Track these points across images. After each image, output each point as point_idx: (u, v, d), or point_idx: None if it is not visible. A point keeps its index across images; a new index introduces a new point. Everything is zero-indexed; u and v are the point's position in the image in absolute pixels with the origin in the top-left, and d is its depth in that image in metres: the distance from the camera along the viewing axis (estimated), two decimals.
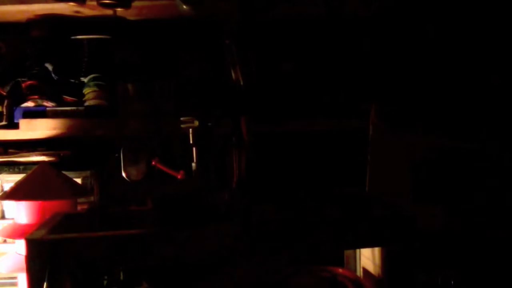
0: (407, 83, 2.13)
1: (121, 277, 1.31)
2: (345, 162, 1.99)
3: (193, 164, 1.42)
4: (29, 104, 1.90)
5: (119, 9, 1.81)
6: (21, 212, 1.64)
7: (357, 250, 1.64)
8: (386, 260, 1.45)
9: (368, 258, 1.55)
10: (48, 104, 1.91)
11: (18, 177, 1.78)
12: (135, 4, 1.79)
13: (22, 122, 1.83)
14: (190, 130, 1.41)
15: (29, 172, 1.74)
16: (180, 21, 1.93)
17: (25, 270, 1.22)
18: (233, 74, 1.75)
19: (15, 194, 1.65)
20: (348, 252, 1.70)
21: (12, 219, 1.75)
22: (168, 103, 1.85)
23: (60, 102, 1.95)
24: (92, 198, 1.83)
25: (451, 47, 2.01)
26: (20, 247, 1.61)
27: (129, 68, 1.94)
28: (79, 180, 1.87)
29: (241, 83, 1.72)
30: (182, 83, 1.83)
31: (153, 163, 1.70)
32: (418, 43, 2.10)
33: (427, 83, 2.10)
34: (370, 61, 2.13)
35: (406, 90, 2.11)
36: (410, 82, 2.13)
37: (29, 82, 1.95)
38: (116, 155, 1.76)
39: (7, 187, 1.88)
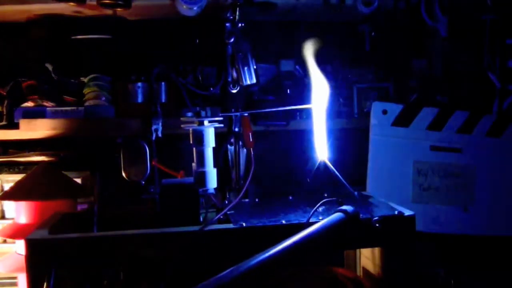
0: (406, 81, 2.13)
1: (121, 277, 1.31)
2: (345, 162, 1.99)
3: (193, 164, 1.42)
4: (29, 104, 1.90)
5: (119, 9, 1.81)
6: (21, 212, 1.64)
7: (357, 250, 1.64)
8: (386, 260, 1.45)
9: (368, 258, 1.55)
10: (48, 104, 1.91)
11: (18, 177, 1.78)
12: (135, 4, 1.79)
13: (22, 122, 1.83)
14: (190, 130, 1.41)
15: (29, 172, 1.74)
16: (180, 21, 1.93)
17: (25, 270, 1.23)
18: (233, 74, 1.75)
19: (15, 194, 1.65)
20: (348, 252, 1.69)
21: (12, 219, 1.75)
22: (168, 103, 1.85)
23: (60, 102, 1.95)
24: (92, 198, 1.83)
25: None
26: (20, 247, 1.61)
27: (129, 68, 1.94)
28: (79, 180, 1.87)
29: (241, 82, 1.72)
30: (182, 83, 1.83)
31: (153, 163, 1.70)
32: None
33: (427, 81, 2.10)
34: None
35: (405, 89, 2.11)
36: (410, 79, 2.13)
37: (29, 82, 1.95)
38: (116, 155, 1.76)
39: (7, 187, 1.88)
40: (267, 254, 1.06)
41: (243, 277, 1.00)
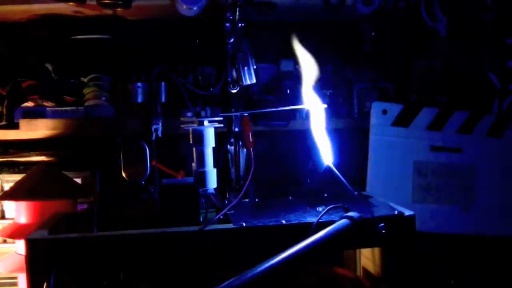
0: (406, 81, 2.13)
1: (121, 278, 1.31)
2: (345, 162, 1.99)
3: (193, 164, 1.42)
4: (29, 104, 1.90)
5: (119, 9, 1.81)
6: (21, 212, 1.65)
7: (357, 250, 1.64)
8: (386, 260, 1.45)
9: (368, 258, 1.55)
10: (48, 104, 1.91)
11: (18, 177, 1.78)
12: (135, 4, 1.79)
13: (22, 122, 1.83)
14: (190, 130, 1.41)
15: (29, 172, 1.74)
16: (180, 21, 1.93)
17: (25, 270, 1.23)
18: (233, 74, 1.75)
19: (15, 194, 1.65)
20: (348, 252, 1.70)
21: (12, 219, 1.75)
22: (168, 103, 1.85)
23: (60, 102, 1.95)
24: (92, 198, 1.83)
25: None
26: (20, 247, 1.61)
27: (129, 68, 1.94)
28: (79, 180, 1.87)
29: (241, 82, 1.72)
30: (182, 83, 1.83)
31: (153, 163, 1.70)
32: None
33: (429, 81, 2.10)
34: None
35: (405, 89, 2.11)
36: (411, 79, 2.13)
37: (29, 82, 1.94)
38: (116, 155, 1.76)
39: (7, 187, 1.88)
40: (274, 261, 1.06)
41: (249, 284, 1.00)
